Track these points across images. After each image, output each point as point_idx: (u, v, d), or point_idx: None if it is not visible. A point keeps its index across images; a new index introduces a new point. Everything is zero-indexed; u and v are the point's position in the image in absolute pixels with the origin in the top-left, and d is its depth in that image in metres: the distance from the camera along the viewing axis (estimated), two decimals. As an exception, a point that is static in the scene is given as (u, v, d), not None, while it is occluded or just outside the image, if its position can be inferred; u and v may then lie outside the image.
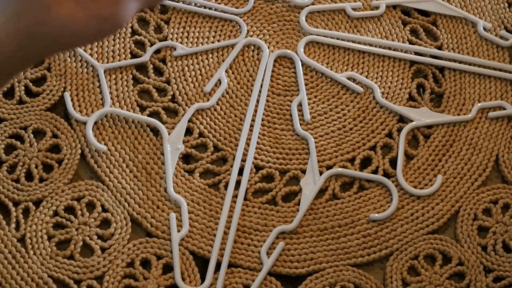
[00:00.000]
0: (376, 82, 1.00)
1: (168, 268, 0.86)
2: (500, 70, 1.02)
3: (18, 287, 0.84)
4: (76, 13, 0.54)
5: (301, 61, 1.01)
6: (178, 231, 0.87)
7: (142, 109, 0.96)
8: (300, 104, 0.98)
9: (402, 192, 0.92)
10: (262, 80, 0.99)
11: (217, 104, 0.97)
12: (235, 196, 0.90)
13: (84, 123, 0.94)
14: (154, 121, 0.94)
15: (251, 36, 1.02)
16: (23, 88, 0.96)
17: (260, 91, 0.98)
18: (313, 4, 1.06)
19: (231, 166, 0.92)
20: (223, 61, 1.00)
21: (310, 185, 0.92)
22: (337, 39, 1.03)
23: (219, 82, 0.98)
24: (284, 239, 0.88)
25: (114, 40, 1.01)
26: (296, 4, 1.05)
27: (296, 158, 0.94)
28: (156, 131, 0.94)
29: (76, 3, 0.54)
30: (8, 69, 0.57)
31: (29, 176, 0.90)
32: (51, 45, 0.55)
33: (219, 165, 0.93)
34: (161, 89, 0.98)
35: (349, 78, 1.00)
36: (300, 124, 0.96)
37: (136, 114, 0.95)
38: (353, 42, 1.03)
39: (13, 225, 0.87)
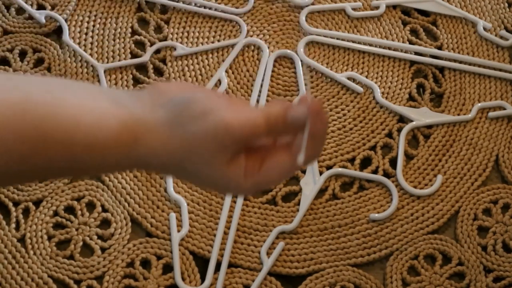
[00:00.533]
0: (376, 82, 1.00)
1: (168, 268, 0.86)
2: (500, 70, 1.02)
3: (18, 287, 0.84)
4: (239, 184, 0.53)
5: (301, 61, 1.00)
6: (178, 231, 0.87)
7: (142, 109, 0.96)
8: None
9: (402, 192, 0.92)
10: (262, 80, 0.99)
11: (217, 104, 0.97)
12: (235, 196, 0.90)
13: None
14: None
15: (251, 36, 1.02)
16: (23, 88, 0.96)
17: (260, 91, 0.98)
18: (313, 4, 1.05)
19: (231, 166, 0.92)
20: (223, 61, 1.00)
21: (310, 185, 0.92)
22: (337, 39, 1.03)
23: (219, 82, 0.98)
24: (284, 239, 0.88)
25: (114, 40, 1.00)
26: (296, 4, 1.05)
27: (296, 158, 0.94)
28: (156, 131, 0.94)
29: (245, 176, 0.53)
30: (150, 170, 0.58)
31: (29, 176, 0.90)
32: (191, 181, 0.55)
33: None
34: (161, 89, 0.98)
35: (349, 78, 1.00)
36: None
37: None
38: (353, 42, 1.03)
39: (13, 225, 0.87)
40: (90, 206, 0.89)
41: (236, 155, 0.52)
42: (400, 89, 1.00)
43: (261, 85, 0.98)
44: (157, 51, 1.01)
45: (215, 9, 1.04)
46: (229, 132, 0.50)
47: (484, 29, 1.04)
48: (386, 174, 0.94)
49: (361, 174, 0.93)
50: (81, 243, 0.86)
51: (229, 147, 0.51)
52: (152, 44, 1.01)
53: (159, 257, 0.86)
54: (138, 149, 0.50)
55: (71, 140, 0.49)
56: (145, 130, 0.50)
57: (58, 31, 1.01)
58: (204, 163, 0.51)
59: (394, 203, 0.91)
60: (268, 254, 0.87)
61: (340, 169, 0.93)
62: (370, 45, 1.03)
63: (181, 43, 1.01)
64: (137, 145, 0.50)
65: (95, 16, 1.02)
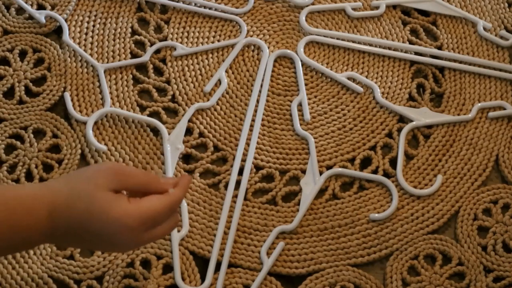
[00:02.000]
0: (376, 82, 1.00)
1: (168, 268, 0.86)
2: (500, 70, 1.02)
3: (18, 287, 0.84)
4: (127, 209, 0.68)
5: (301, 61, 1.01)
6: (178, 231, 0.87)
7: (142, 109, 0.96)
8: (300, 104, 0.98)
9: (402, 192, 0.92)
10: (262, 80, 0.99)
11: (217, 104, 0.97)
12: (235, 196, 0.90)
13: (84, 123, 0.94)
14: (154, 121, 0.94)
15: (251, 36, 1.02)
16: (23, 88, 0.96)
17: (260, 91, 0.98)
18: (313, 4, 1.06)
19: (231, 166, 0.92)
20: (223, 61, 1.00)
21: (310, 185, 0.92)
22: (337, 39, 1.03)
23: (219, 82, 0.98)
24: (284, 239, 0.88)
25: (114, 40, 1.00)
26: (296, 4, 1.05)
27: (296, 158, 0.94)
28: (156, 131, 0.94)
29: (129, 201, 0.68)
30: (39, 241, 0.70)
31: (29, 176, 0.90)
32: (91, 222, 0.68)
33: (219, 165, 0.93)
34: (161, 89, 0.98)
35: (349, 78, 1.00)
36: (300, 124, 0.96)
37: (136, 114, 0.95)
38: (353, 42, 1.03)
39: (13, 225, 0.87)
40: (90, 206, 0.89)
41: (117, 191, 0.68)
42: (400, 89, 1.00)
43: (261, 85, 0.98)
44: (157, 51, 1.01)
45: (215, 9, 1.04)
46: (99, 171, 0.68)
47: (484, 29, 1.04)
48: (386, 174, 0.94)
49: (361, 174, 0.93)
50: (81, 243, 0.86)
51: (105, 180, 0.67)
52: (152, 44, 1.01)
53: (159, 257, 0.86)
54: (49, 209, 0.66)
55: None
56: (52, 192, 0.67)
57: (58, 31, 1.01)
58: (91, 195, 0.67)
59: (394, 203, 0.91)
60: (268, 254, 0.87)
61: (340, 169, 0.93)
62: (370, 45, 1.03)
63: (181, 43, 1.01)
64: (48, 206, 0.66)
65: (95, 16, 1.02)
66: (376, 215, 0.90)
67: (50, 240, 0.69)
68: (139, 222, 0.67)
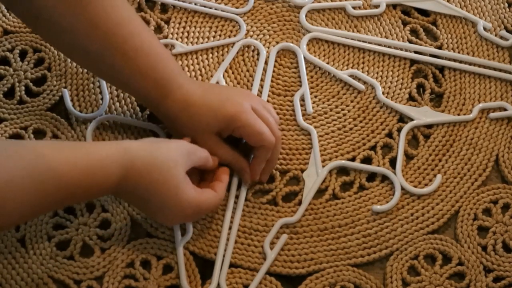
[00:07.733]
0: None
1: (168, 269, 0.86)
2: (500, 70, 1.02)
3: (18, 287, 0.84)
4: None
5: (303, 56, 1.00)
6: (182, 235, 0.87)
7: (142, 109, 0.96)
8: (302, 100, 0.97)
9: (403, 192, 0.92)
10: (261, 80, 0.99)
11: (217, 104, 0.97)
12: (236, 196, 0.90)
13: (84, 123, 0.93)
14: (153, 125, 0.94)
15: (251, 36, 1.02)
16: (23, 88, 0.96)
17: (260, 91, 0.98)
18: (313, 3, 1.05)
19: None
20: (223, 60, 1.00)
21: (312, 177, 0.92)
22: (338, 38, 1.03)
23: (218, 83, 0.98)
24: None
25: (114, 40, 1.00)
26: (296, 4, 1.05)
27: (296, 158, 0.94)
28: (156, 132, 0.94)
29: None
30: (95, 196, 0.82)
31: (29, 176, 0.90)
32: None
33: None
34: (161, 89, 0.98)
35: (351, 76, 1.00)
36: (304, 120, 0.96)
37: (135, 120, 0.94)
38: (354, 40, 1.03)
39: (13, 226, 0.87)
40: (90, 206, 0.89)
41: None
42: (400, 89, 1.00)
43: (262, 86, 0.98)
44: (157, 51, 1.00)
45: (215, 9, 1.04)
46: (178, 150, 0.80)
47: (484, 29, 1.04)
48: (386, 174, 0.94)
49: (364, 167, 0.93)
50: (81, 243, 0.86)
51: (183, 161, 0.79)
52: (152, 44, 1.01)
53: (159, 258, 0.86)
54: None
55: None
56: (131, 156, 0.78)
57: (58, 31, 1.01)
58: (169, 171, 0.78)
59: (396, 195, 0.91)
60: (271, 248, 0.87)
61: (343, 161, 0.93)
62: (371, 43, 1.03)
63: (181, 43, 1.01)
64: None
65: (95, 15, 1.02)
66: (379, 207, 0.90)
67: (114, 194, 0.82)
68: (193, 211, 0.80)
